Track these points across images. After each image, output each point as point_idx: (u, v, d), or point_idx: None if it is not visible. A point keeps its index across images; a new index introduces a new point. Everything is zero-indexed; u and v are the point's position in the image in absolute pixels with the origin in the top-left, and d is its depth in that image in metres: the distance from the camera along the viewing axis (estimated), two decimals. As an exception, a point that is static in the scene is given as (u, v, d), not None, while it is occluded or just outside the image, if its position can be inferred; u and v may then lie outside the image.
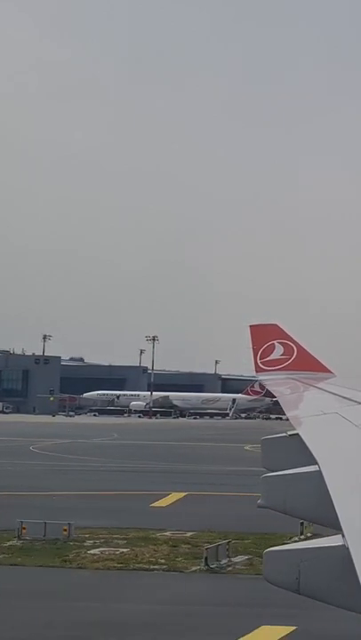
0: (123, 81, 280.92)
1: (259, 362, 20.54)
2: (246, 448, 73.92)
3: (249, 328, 21.73)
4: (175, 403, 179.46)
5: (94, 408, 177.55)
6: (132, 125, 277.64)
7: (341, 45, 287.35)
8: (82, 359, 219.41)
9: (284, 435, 7.84)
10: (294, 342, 20.68)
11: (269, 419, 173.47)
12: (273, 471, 6.67)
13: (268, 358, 20.49)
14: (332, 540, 4.32)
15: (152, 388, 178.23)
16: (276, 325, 21.76)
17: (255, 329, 21.62)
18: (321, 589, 4.35)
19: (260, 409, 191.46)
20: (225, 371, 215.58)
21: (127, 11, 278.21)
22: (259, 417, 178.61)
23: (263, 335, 21.04)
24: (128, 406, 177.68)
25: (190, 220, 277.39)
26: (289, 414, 9.99)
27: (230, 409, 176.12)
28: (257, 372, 20.32)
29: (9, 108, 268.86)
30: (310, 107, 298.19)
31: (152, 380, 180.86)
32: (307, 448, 6.40)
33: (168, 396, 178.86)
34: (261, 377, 19.67)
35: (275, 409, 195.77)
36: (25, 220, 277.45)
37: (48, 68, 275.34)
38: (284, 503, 5.95)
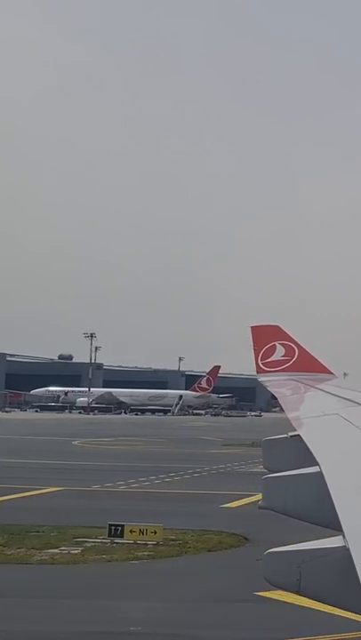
0: (124, 81, 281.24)
1: (260, 363, 20.56)
2: (75, 442, 73.23)
3: (250, 329, 21.74)
4: (122, 399, 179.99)
5: (36, 404, 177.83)
6: (133, 126, 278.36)
7: (343, 44, 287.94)
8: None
9: (284, 436, 7.86)
10: (296, 343, 20.69)
11: (220, 415, 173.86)
12: (274, 472, 6.68)
13: (269, 359, 20.50)
14: (333, 542, 4.33)
15: (90, 384, 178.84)
16: (277, 327, 21.76)
17: (256, 330, 21.62)
18: (322, 590, 4.36)
19: (223, 405, 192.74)
20: (189, 367, 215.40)
21: (128, 11, 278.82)
22: (209, 413, 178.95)
23: (264, 336, 21.05)
24: (75, 402, 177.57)
25: (185, 220, 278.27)
26: (290, 415, 10.00)
27: (176, 405, 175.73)
28: (258, 373, 20.33)
29: (10, 109, 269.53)
30: (311, 110, 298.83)
31: (90, 376, 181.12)
32: (308, 449, 6.41)
33: (111, 393, 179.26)
34: (262, 378, 19.68)
35: (241, 406, 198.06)
36: (24, 220, 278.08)
37: (49, 68, 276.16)
38: (284, 504, 5.96)
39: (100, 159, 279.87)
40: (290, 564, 4.43)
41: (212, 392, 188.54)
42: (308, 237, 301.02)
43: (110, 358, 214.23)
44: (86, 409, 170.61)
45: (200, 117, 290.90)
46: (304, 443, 6.83)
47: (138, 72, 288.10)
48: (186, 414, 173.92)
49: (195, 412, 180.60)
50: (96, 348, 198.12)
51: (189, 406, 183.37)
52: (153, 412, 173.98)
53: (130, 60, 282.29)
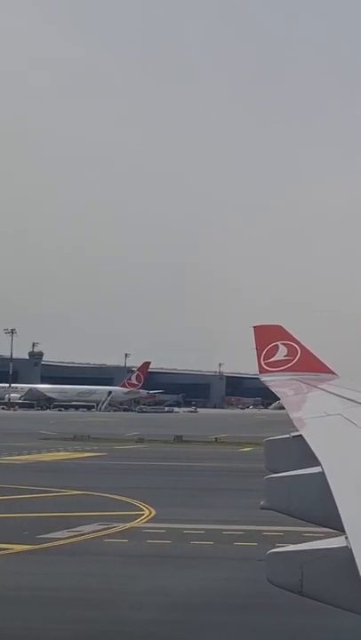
0: (126, 79, 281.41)
1: (262, 363, 20.57)
2: None
3: (253, 329, 21.76)
4: (50, 395, 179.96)
5: None
6: (134, 125, 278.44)
7: (344, 41, 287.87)
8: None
9: (287, 436, 7.86)
10: (298, 343, 20.71)
11: (145, 412, 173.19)
12: (276, 472, 6.68)
13: (271, 359, 20.52)
14: (336, 542, 4.33)
15: (10, 380, 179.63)
16: (279, 327, 21.78)
17: (259, 330, 21.64)
18: (324, 591, 4.36)
19: (169, 402, 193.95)
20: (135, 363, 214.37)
21: (130, 8, 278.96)
22: (138, 409, 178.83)
23: (267, 336, 21.07)
24: (3, 398, 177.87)
25: (184, 219, 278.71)
26: (292, 415, 10.00)
27: (103, 401, 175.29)
28: (260, 372, 20.34)
29: (12, 106, 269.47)
30: (312, 110, 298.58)
31: (10, 372, 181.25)
32: (310, 449, 6.41)
33: (37, 388, 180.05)
34: (265, 378, 19.69)
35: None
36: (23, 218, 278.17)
37: (52, 66, 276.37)
38: (287, 504, 5.97)
39: (100, 158, 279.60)
40: (292, 565, 4.43)
41: (159, 388, 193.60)
42: (299, 236, 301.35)
43: (74, 356, 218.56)
44: (8, 405, 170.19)
45: (200, 117, 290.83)
46: (306, 443, 6.83)
47: (138, 72, 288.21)
48: (117, 410, 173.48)
49: (126, 408, 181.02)
50: (33, 344, 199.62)
51: (137, 402, 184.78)
52: (77, 407, 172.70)
53: (130, 60, 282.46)
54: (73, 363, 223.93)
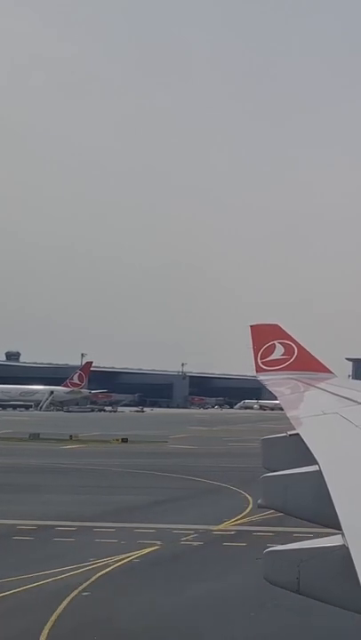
0: (124, 77, 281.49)
1: (259, 362, 20.53)
2: None
3: (250, 328, 21.72)
4: None
5: None
6: (132, 123, 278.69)
7: (342, 39, 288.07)
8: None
9: (284, 435, 7.85)
10: (295, 342, 20.68)
11: (71, 411, 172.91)
12: (273, 471, 6.67)
13: (268, 358, 20.49)
14: (333, 541, 4.32)
15: None
16: (276, 325, 21.74)
17: (256, 329, 21.60)
18: (321, 589, 4.36)
19: (125, 401, 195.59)
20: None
21: (129, 6, 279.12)
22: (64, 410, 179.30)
23: (264, 335, 21.03)
24: None
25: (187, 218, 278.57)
26: (289, 414, 9.98)
27: (45, 400, 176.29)
28: (257, 371, 20.31)
29: (12, 105, 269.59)
30: (315, 107, 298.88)
31: None
32: (307, 448, 6.40)
33: None
34: (262, 377, 19.66)
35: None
36: (28, 215, 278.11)
37: (51, 65, 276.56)
38: (284, 503, 5.96)
39: (99, 157, 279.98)
40: (289, 563, 4.42)
41: (109, 389, 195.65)
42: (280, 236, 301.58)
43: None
44: None
45: (200, 115, 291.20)
46: (303, 441, 6.82)
47: (138, 71, 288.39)
48: (59, 410, 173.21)
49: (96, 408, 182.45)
50: None
51: (94, 402, 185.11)
52: (15, 407, 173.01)
53: (131, 59, 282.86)
54: (35, 363, 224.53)
